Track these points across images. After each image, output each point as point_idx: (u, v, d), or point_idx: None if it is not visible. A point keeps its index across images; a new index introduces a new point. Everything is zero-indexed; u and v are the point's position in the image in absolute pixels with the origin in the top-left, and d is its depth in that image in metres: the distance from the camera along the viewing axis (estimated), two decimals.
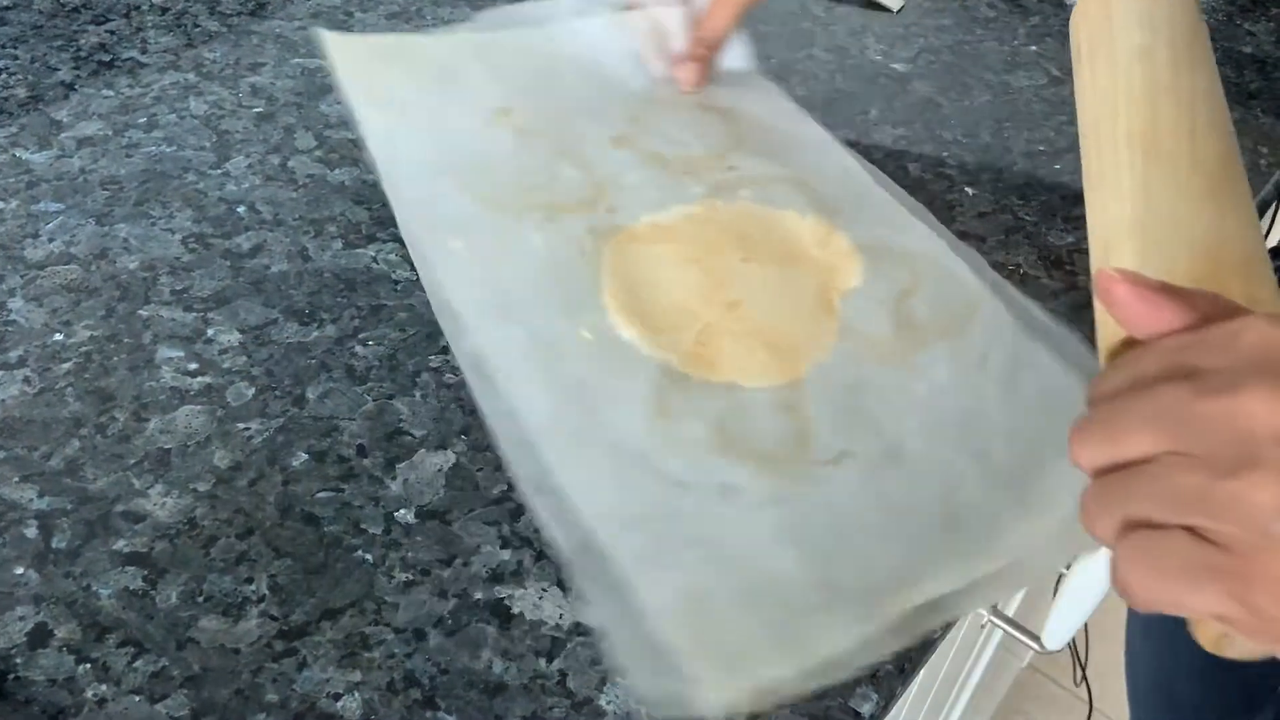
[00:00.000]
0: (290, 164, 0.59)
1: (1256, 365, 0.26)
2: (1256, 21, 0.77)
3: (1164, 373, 0.28)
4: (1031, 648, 0.59)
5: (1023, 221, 0.59)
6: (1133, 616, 0.76)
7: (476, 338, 0.48)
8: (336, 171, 0.59)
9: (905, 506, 0.43)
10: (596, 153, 0.58)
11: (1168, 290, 0.30)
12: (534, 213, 0.54)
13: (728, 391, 0.47)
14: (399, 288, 0.53)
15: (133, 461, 0.44)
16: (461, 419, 0.47)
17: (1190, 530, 0.26)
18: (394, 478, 0.45)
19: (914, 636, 0.38)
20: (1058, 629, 0.61)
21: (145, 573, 0.41)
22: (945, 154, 0.63)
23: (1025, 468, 0.44)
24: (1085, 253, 0.57)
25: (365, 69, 0.58)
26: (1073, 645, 1.15)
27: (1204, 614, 0.27)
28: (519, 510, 0.44)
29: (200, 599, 0.40)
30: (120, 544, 0.42)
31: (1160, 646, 0.69)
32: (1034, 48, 0.73)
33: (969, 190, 0.61)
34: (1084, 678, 1.27)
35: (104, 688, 0.37)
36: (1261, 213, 0.64)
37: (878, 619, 0.39)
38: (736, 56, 0.64)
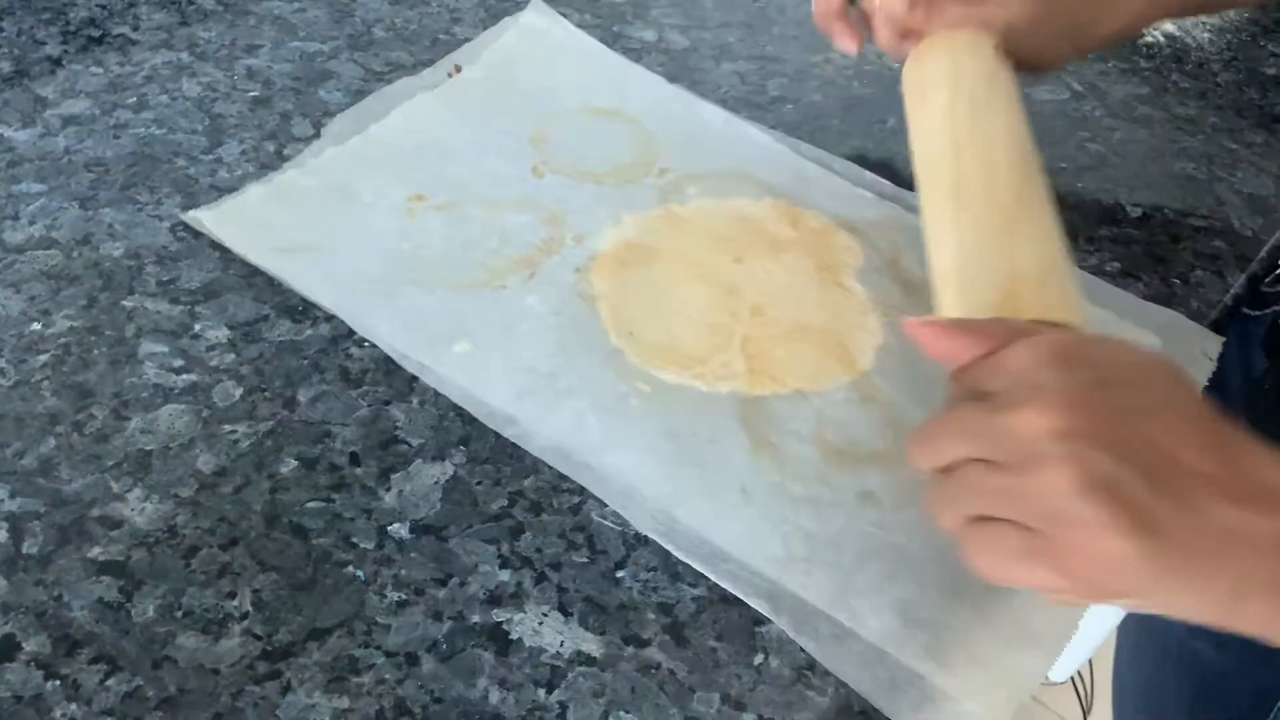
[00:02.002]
0: (286, 152, 0.56)
1: (1023, 383, 0.33)
2: None
3: (965, 394, 0.35)
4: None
5: None
6: (1121, 646, 0.75)
7: (541, 428, 0.44)
8: None
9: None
10: (524, 189, 0.55)
11: (960, 327, 0.37)
12: (511, 275, 0.50)
13: (805, 401, 0.47)
14: None
15: (111, 463, 0.42)
16: (460, 428, 0.45)
17: (1013, 521, 0.32)
18: (388, 489, 0.42)
19: None
20: (1064, 659, 0.59)
21: (121, 583, 0.38)
22: None
23: None
24: (1108, 275, 0.56)
25: (257, 230, 0.51)
26: (1078, 679, 1.13)
27: (1042, 588, 0.32)
28: (519, 528, 0.41)
29: (179, 614, 0.38)
30: (95, 551, 0.39)
31: (1150, 679, 0.68)
32: None
33: None
34: (1088, 709, 1.25)
35: (74, 707, 0.35)
36: None
37: None
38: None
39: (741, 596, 0.40)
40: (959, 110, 0.46)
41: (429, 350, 0.47)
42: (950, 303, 0.41)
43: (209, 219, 0.51)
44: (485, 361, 0.47)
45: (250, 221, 0.51)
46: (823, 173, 0.59)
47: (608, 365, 0.47)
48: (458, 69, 0.61)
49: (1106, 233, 0.58)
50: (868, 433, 0.46)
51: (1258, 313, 0.61)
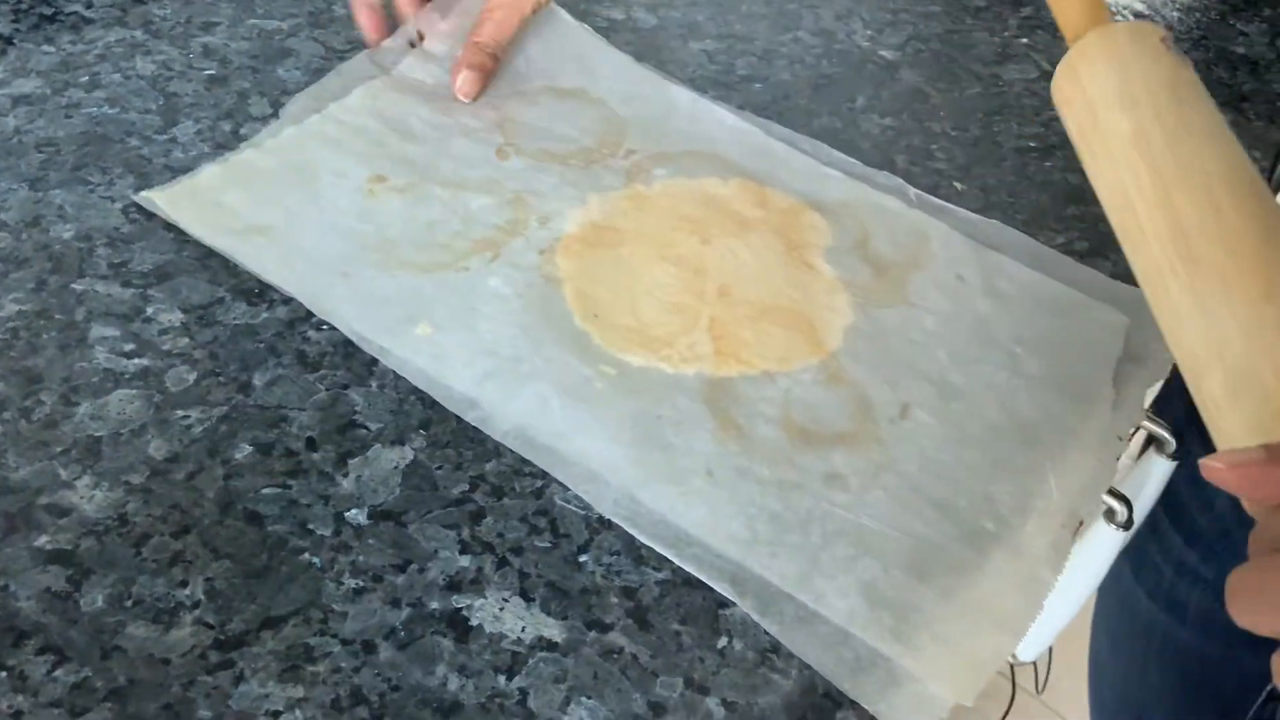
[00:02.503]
0: (243, 131, 0.55)
1: None
2: (1249, 22, 0.75)
3: None
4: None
5: (1013, 221, 0.57)
6: (1099, 633, 0.74)
7: (503, 411, 0.44)
8: None
9: (984, 434, 0.45)
10: (488, 171, 0.54)
11: (1273, 459, 0.28)
12: (474, 258, 0.49)
13: (772, 382, 0.46)
14: None
15: (59, 449, 0.41)
16: (421, 412, 0.44)
17: None
18: (346, 474, 0.41)
19: (1063, 556, 0.41)
20: (1032, 640, 0.59)
21: (69, 573, 0.37)
22: (934, 146, 0.61)
23: (1051, 368, 0.48)
24: (1076, 253, 0.55)
25: (213, 212, 0.49)
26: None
27: None
28: (480, 512, 0.41)
29: (129, 603, 0.37)
30: (43, 540, 0.38)
31: (1129, 667, 0.68)
32: (1025, 40, 0.71)
33: (958, 186, 0.59)
34: (1042, 688, 1.27)
35: (20, 699, 0.34)
36: None
37: (1026, 550, 0.41)
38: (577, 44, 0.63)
39: (705, 579, 0.39)
40: (1153, 137, 0.35)
41: (389, 333, 0.46)
42: (1218, 396, 0.32)
43: (162, 199, 0.50)
44: (446, 344, 0.46)
45: (205, 202, 0.50)
46: (791, 152, 0.58)
47: (572, 348, 0.46)
48: (421, 37, 0.60)
49: (1074, 211, 0.58)
50: (835, 413, 0.46)
51: None
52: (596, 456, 0.43)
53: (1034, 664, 1.32)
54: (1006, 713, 1.32)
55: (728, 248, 0.52)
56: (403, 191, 0.52)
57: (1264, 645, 0.57)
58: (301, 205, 0.51)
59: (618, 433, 0.43)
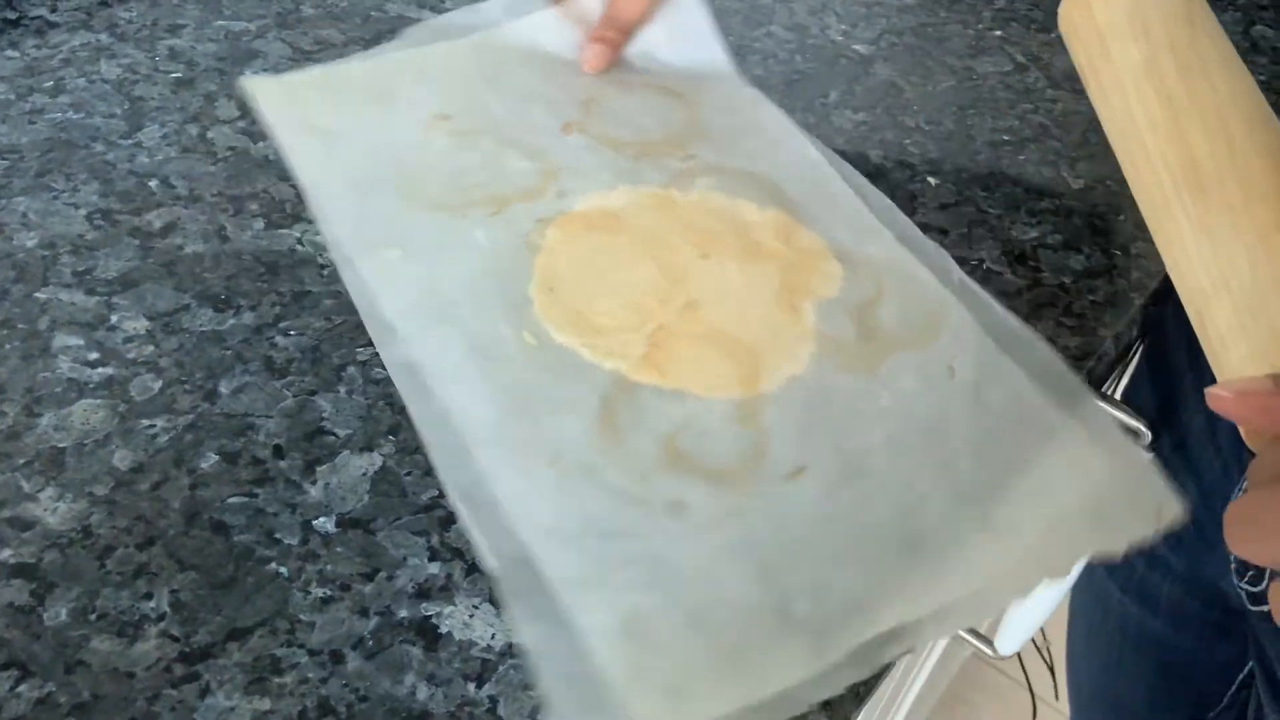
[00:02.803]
0: (210, 135, 0.54)
1: None
2: (1224, 11, 0.75)
3: None
4: (985, 653, 0.57)
5: (986, 214, 0.57)
6: (1075, 627, 0.75)
7: (409, 345, 0.44)
8: (260, 144, 0.55)
9: (865, 525, 0.40)
10: (546, 141, 0.54)
11: None
12: (479, 208, 0.50)
13: (680, 402, 0.44)
14: (325, 272, 0.49)
15: (22, 461, 0.40)
16: (390, 418, 0.43)
17: None
18: (314, 482, 0.41)
19: (872, 667, 0.36)
20: (1012, 635, 0.59)
21: (33, 586, 0.37)
22: (907, 141, 0.61)
23: (991, 488, 0.41)
24: (1050, 248, 0.55)
25: (292, 106, 0.54)
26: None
27: None
28: (450, 519, 0.40)
29: (93, 616, 0.36)
30: (5, 554, 0.38)
31: (1106, 655, 0.68)
32: (999, 32, 0.71)
33: (931, 180, 0.58)
34: (1026, 671, 1.27)
35: None
36: None
37: (834, 650, 0.36)
38: (703, 47, 0.61)
39: (479, 550, 0.38)
40: (1165, 68, 0.35)
41: (362, 248, 0.48)
42: (1223, 330, 0.32)
43: (257, 85, 0.54)
44: (402, 271, 0.47)
45: (292, 98, 0.54)
46: (854, 201, 0.54)
47: (507, 309, 0.46)
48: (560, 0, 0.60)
49: (1048, 205, 0.58)
50: (724, 451, 0.42)
51: None
52: (460, 410, 0.42)
53: (1050, 670, 1.33)
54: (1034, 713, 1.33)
55: (722, 269, 0.49)
56: (457, 135, 0.54)
57: (1234, 635, 0.57)
58: (367, 121, 0.54)
59: (496, 396, 0.43)
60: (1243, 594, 0.51)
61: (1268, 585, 0.30)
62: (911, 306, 0.49)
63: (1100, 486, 0.41)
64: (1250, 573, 0.50)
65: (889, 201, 0.54)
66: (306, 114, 0.53)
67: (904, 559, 0.39)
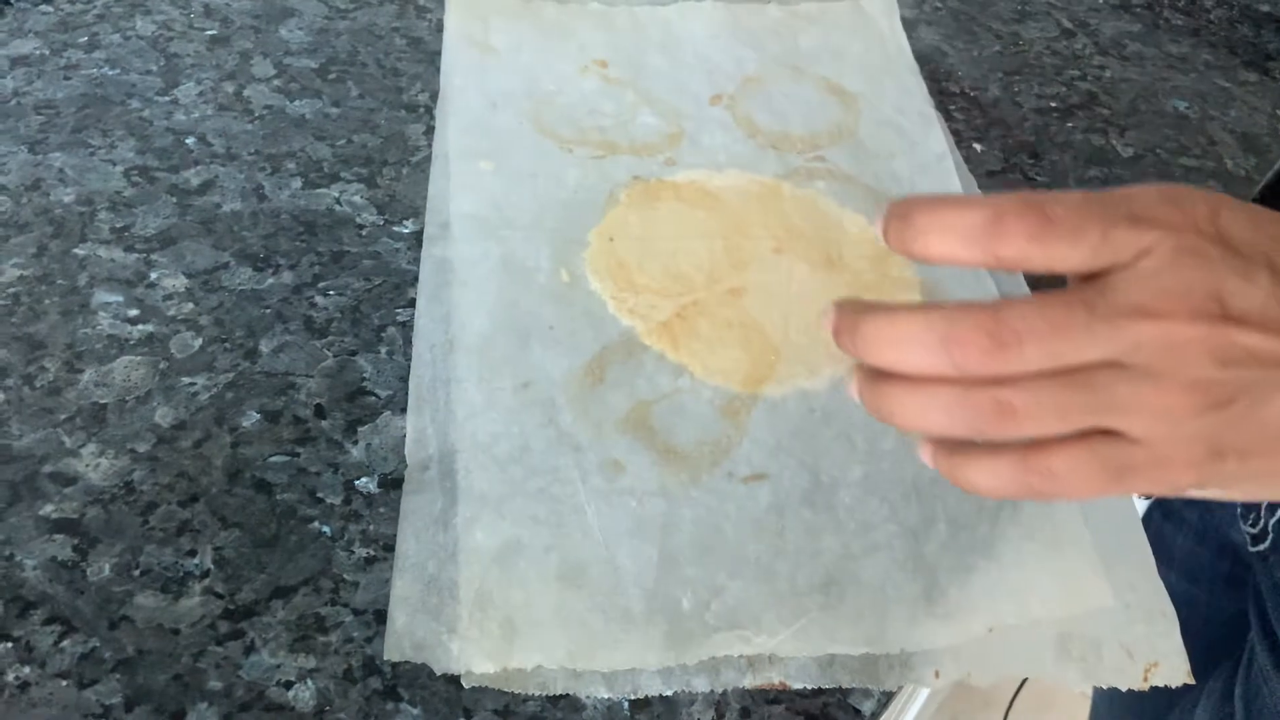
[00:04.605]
0: (246, 93, 0.54)
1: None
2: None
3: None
4: None
5: (1033, 183, 0.55)
6: None
7: (453, 245, 0.46)
8: (297, 103, 0.54)
9: (796, 552, 0.38)
10: (686, 107, 0.55)
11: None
12: (586, 148, 0.52)
13: (675, 377, 0.43)
14: (364, 233, 0.48)
15: (64, 417, 0.40)
16: None
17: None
18: (355, 442, 0.41)
19: (717, 684, 0.35)
20: None
21: (75, 542, 0.37)
22: (953, 107, 0.60)
23: (952, 567, 0.38)
24: None
25: (474, 20, 0.58)
26: None
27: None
28: None
29: (136, 572, 0.36)
30: (48, 509, 0.37)
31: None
32: None
33: (977, 147, 0.57)
34: None
35: (27, 670, 0.34)
36: None
37: (688, 653, 0.35)
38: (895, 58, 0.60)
39: (407, 442, 0.40)
40: None
41: (462, 152, 0.50)
42: None
43: None
44: (485, 183, 0.49)
45: (480, 13, 0.58)
46: None
47: (560, 245, 0.47)
48: None
49: (1096, 174, 0.57)
50: (689, 433, 0.41)
51: None
52: (461, 312, 0.43)
53: None
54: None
55: (789, 267, 0.47)
56: (606, 80, 0.56)
57: (1243, 585, 0.56)
58: (533, 49, 0.57)
59: (500, 311, 0.44)
60: (1246, 537, 0.51)
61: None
62: None
63: (1077, 623, 0.37)
64: (1251, 515, 0.50)
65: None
66: (484, 29, 0.57)
67: (814, 597, 0.37)
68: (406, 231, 0.48)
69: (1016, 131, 0.59)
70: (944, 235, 0.25)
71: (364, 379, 0.43)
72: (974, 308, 0.25)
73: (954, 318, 0.25)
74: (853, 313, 0.26)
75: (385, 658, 0.34)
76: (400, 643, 0.34)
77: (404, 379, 0.43)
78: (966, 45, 0.65)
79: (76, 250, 0.46)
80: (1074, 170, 0.57)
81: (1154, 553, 0.42)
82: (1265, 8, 0.71)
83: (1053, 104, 0.61)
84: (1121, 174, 0.57)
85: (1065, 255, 0.25)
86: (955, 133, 0.58)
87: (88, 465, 0.39)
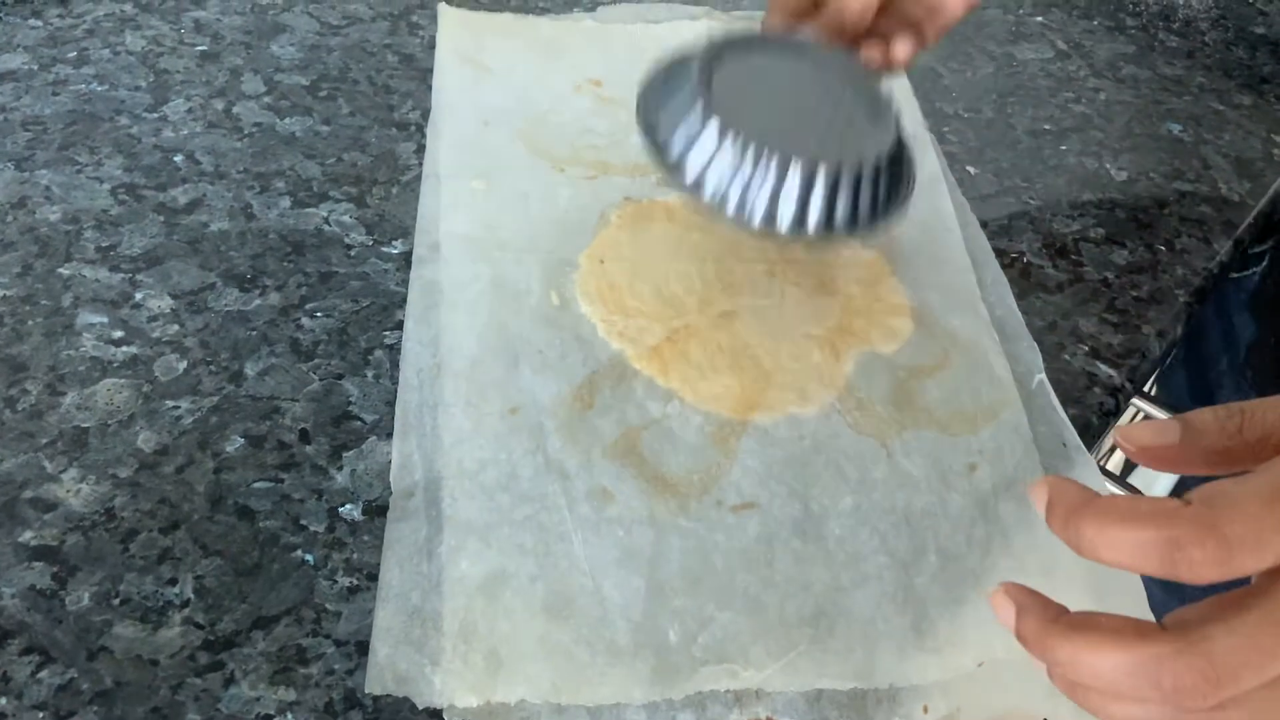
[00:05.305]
0: (235, 110, 0.53)
1: None
2: (1270, 1, 0.73)
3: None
4: None
5: (1027, 206, 0.55)
6: None
7: (442, 267, 0.46)
8: (287, 120, 0.53)
9: (784, 583, 0.38)
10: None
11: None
12: (579, 168, 0.52)
13: (664, 402, 0.42)
14: (352, 253, 0.48)
15: (45, 441, 0.39)
16: None
17: None
18: (340, 468, 0.40)
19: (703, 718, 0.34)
20: None
21: (55, 569, 0.36)
22: (946, 129, 0.59)
23: (942, 599, 0.38)
24: (1092, 242, 0.54)
25: (466, 37, 0.58)
26: None
27: None
28: None
29: (116, 601, 0.36)
30: (27, 535, 0.37)
31: None
32: (1040, 18, 0.69)
33: (970, 170, 0.57)
34: None
35: (3, 701, 0.33)
36: None
37: (675, 688, 0.34)
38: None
39: (392, 469, 0.39)
40: None
41: (454, 171, 0.50)
42: None
43: (449, 14, 0.59)
44: (476, 203, 0.49)
45: (472, 30, 0.58)
46: (964, 266, 0.50)
47: (550, 267, 0.47)
48: None
49: (1090, 198, 0.56)
50: (679, 461, 0.41)
51: (1240, 274, 0.59)
52: (451, 336, 0.43)
53: None
54: None
55: (780, 291, 0.47)
56: (600, 100, 0.56)
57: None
58: (526, 68, 0.57)
59: (489, 335, 0.44)
60: None
61: None
62: (966, 392, 0.45)
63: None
64: None
65: (1004, 277, 0.50)
66: (476, 47, 0.58)
67: (803, 630, 0.36)
68: (395, 252, 0.48)
69: (1010, 153, 0.59)
70: (1116, 551, 0.25)
71: (350, 403, 0.42)
72: (1181, 644, 0.24)
73: (1163, 658, 0.24)
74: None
75: (367, 690, 0.34)
76: (382, 675, 0.34)
77: (390, 403, 0.42)
78: (960, 67, 0.64)
79: (61, 270, 0.45)
80: (1067, 193, 0.57)
81: (1166, 584, 0.42)
82: (1260, 30, 0.71)
83: (1046, 126, 0.61)
84: (1115, 197, 0.57)
85: (1252, 569, 0.24)
86: (949, 155, 0.58)
87: (68, 491, 0.38)
